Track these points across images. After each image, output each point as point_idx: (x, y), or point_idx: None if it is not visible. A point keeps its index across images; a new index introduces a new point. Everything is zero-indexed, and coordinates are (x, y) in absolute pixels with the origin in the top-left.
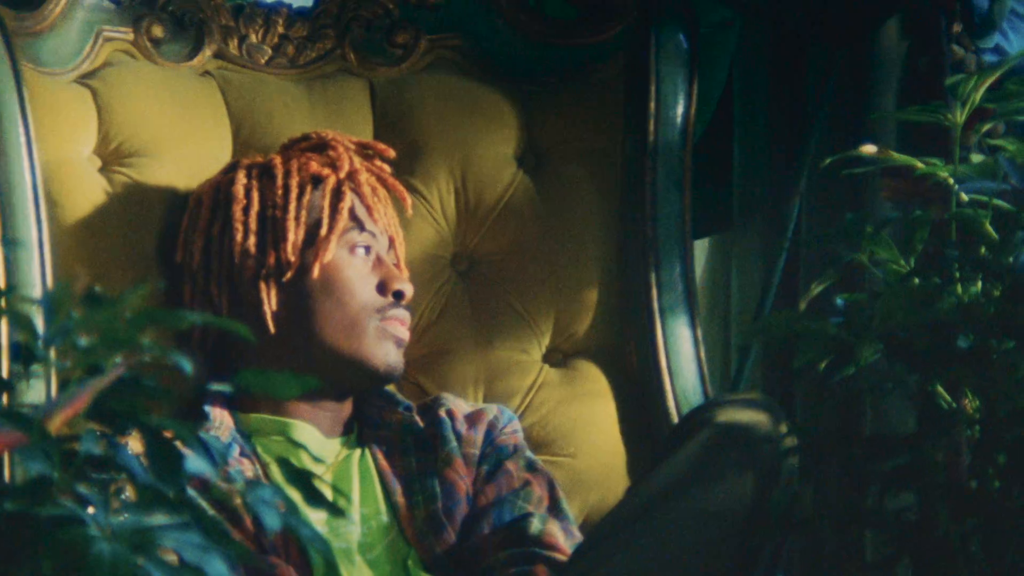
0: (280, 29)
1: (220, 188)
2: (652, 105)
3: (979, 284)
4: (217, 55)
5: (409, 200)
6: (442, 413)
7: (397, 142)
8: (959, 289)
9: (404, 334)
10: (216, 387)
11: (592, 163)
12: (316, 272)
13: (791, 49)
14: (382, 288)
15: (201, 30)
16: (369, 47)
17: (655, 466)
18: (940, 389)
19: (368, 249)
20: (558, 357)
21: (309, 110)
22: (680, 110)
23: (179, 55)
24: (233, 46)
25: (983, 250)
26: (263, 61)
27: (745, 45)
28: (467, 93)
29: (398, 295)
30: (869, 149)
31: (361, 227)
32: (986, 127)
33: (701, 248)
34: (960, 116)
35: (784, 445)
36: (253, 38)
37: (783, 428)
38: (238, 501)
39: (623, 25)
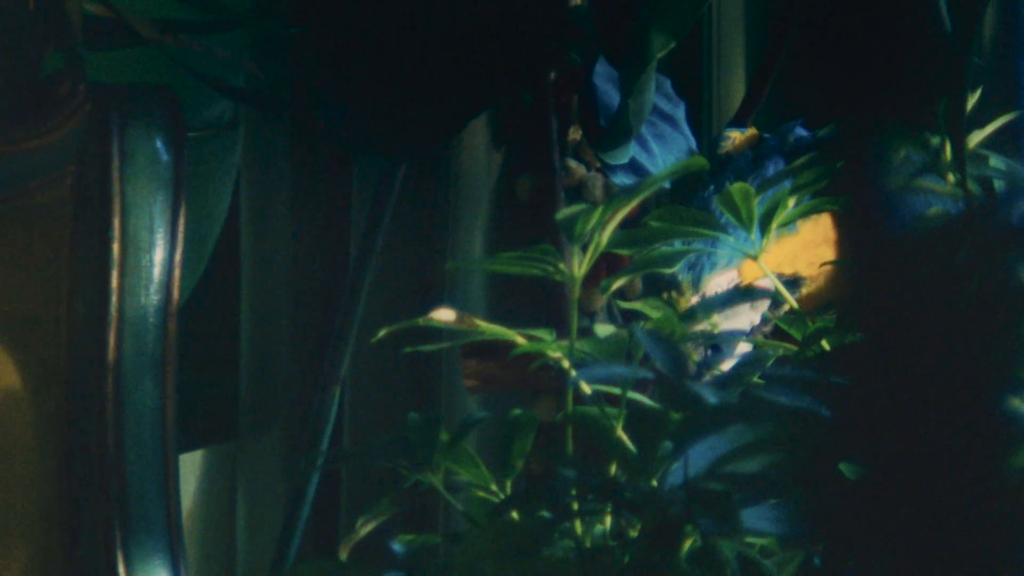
0: None
1: None
2: (116, 247)
3: (608, 520)
4: None
5: None
6: None
7: None
8: (578, 528)
9: None
10: None
11: (17, 333)
12: None
13: (326, 161)
14: None
15: None
16: None
17: None
18: None
19: None
20: None
21: None
22: (160, 254)
23: None
24: None
25: (613, 469)
26: None
27: (256, 155)
28: None
29: None
30: (444, 315)
31: None
32: (617, 283)
33: (192, 464)
34: (579, 267)
35: None
36: None
37: None
38: None
39: (71, 125)
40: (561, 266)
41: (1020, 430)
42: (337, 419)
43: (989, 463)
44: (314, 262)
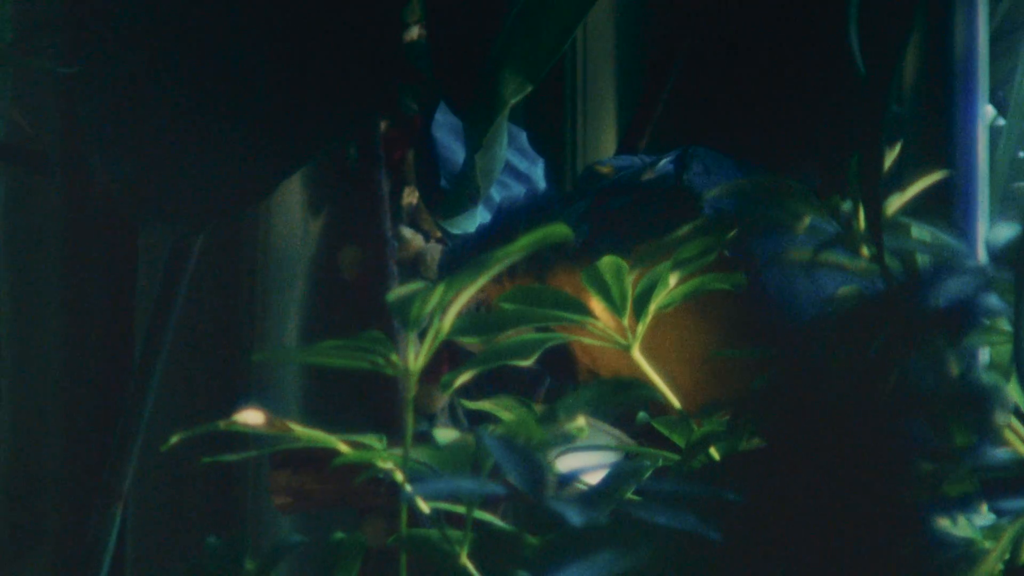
0: None
1: None
2: None
3: None
4: None
5: None
6: None
7: None
8: None
9: None
10: None
11: None
12: None
13: (105, 229)
14: None
15: None
16: None
17: None
18: None
19: None
20: None
21: None
22: None
23: None
24: None
25: None
26: None
27: (18, 221)
28: None
29: None
30: (250, 417)
31: None
32: (461, 378)
33: None
34: (415, 359)
35: None
36: None
37: None
38: None
39: None
40: (393, 357)
41: (952, 558)
42: (118, 544)
43: None
44: (91, 350)
